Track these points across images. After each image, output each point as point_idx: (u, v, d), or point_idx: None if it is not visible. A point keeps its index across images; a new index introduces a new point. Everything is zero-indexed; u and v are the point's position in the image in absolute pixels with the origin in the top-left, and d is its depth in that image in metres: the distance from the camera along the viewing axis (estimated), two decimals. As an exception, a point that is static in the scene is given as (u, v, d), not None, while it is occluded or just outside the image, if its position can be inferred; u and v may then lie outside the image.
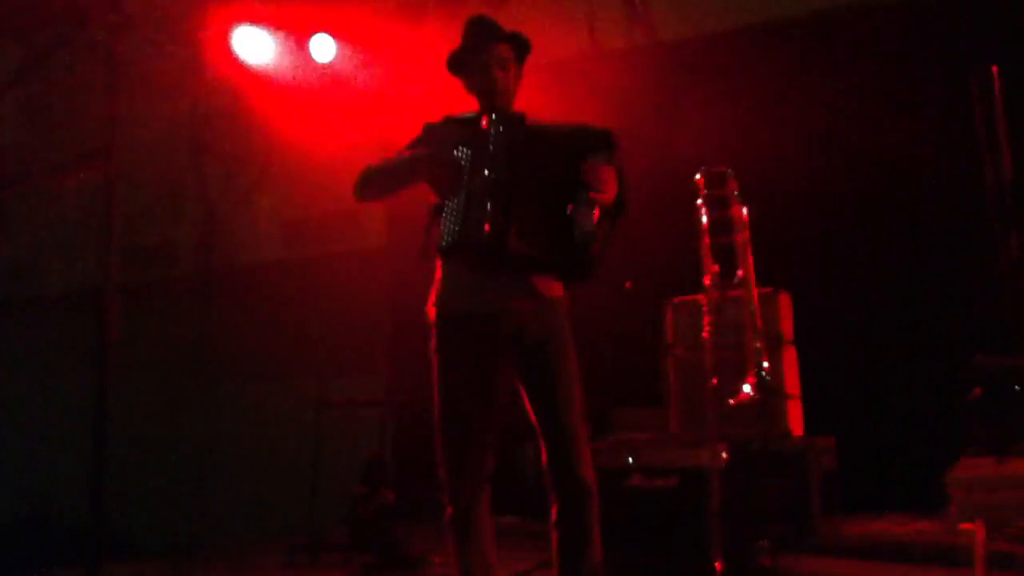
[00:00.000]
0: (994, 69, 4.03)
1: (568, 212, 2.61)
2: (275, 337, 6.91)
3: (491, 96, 2.82)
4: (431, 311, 2.85)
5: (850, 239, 4.99)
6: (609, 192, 2.63)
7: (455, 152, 2.68)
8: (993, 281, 4.46)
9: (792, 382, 4.32)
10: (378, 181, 2.93)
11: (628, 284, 4.63)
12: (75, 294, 7.45)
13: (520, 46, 2.86)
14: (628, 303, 5.18)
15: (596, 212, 2.60)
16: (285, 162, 6.79)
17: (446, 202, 2.67)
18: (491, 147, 2.65)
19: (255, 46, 6.14)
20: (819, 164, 5.04)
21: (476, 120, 2.77)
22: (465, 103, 2.96)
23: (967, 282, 4.60)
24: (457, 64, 2.91)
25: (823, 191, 5.01)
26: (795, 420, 4.27)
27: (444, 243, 2.67)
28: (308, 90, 6.30)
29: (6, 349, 8.22)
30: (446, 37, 3.04)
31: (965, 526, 3.69)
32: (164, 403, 7.19)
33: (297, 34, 6.18)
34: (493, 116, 2.69)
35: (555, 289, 2.81)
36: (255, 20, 6.06)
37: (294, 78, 6.17)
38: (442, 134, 2.85)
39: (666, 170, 4.59)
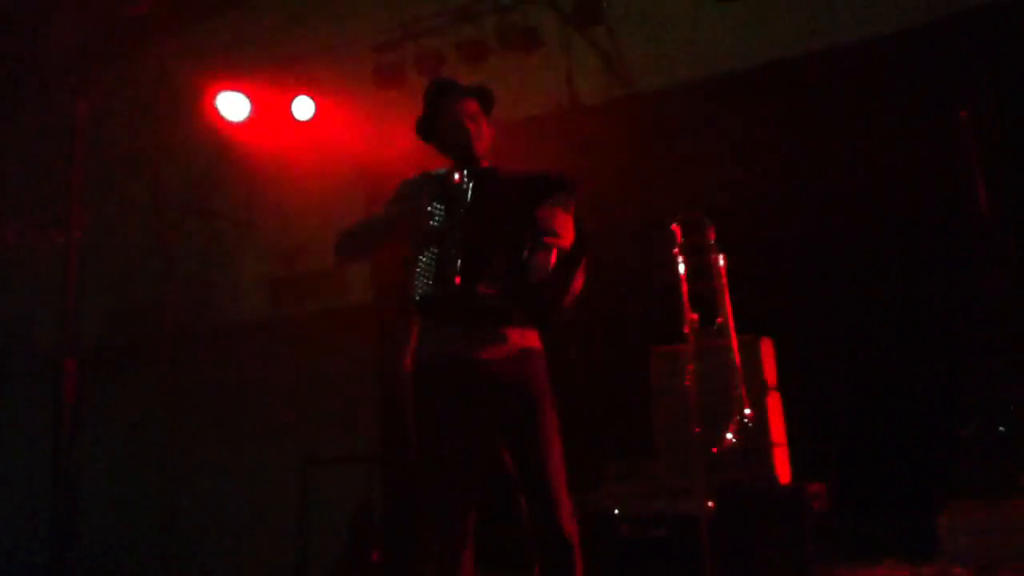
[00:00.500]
0: (963, 113, 4.10)
1: (525, 257, 2.63)
2: (261, 394, 6.87)
3: (466, 149, 2.87)
4: (408, 364, 2.86)
5: (834, 282, 5.00)
6: (564, 237, 2.65)
7: (429, 208, 2.71)
8: (980, 318, 4.48)
9: (778, 428, 4.29)
10: (357, 240, 2.96)
11: None
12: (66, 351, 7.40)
13: (485, 99, 2.93)
14: (615, 353, 5.19)
15: (553, 257, 2.62)
16: (269, 221, 6.83)
17: (419, 257, 2.69)
18: (463, 202, 2.67)
19: (238, 107, 6.22)
20: (800, 209, 5.07)
21: (450, 176, 2.80)
22: (442, 159, 3.01)
23: (954, 322, 4.60)
24: (427, 128, 2.96)
25: (805, 236, 5.03)
26: (782, 467, 4.23)
27: (418, 297, 2.68)
28: (291, 150, 6.36)
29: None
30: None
31: (959, 572, 3.66)
32: (150, 461, 7.12)
33: (281, 95, 6.26)
34: (465, 172, 2.72)
35: (531, 339, 2.81)
36: (238, 84, 6.14)
37: (277, 139, 6.24)
38: (418, 190, 2.89)
39: (647, 220, 4.62)
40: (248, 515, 6.63)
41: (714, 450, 3.52)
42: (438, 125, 2.93)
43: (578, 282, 2.72)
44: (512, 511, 4.29)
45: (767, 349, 4.37)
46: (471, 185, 2.70)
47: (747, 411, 3.43)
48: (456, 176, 2.75)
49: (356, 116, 6.19)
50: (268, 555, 5.99)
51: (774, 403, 4.31)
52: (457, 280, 2.59)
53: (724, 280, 3.64)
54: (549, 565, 2.67)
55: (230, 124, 6.19)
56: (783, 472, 4.23)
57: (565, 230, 2.64)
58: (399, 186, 2.98)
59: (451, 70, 5.89)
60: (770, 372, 4.35)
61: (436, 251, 2.65)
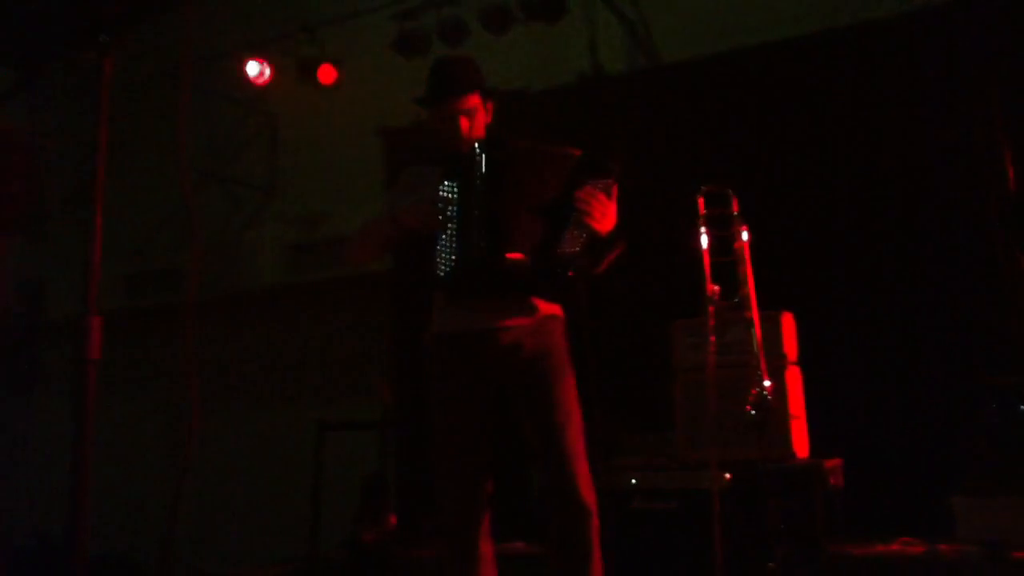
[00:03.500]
0: (994, 88, 4.04)
1: (556, 235, 2.62)
2: (279, 360, 6.92)
3: (457, 143, 2.84)
4: (429, 335, 2.87)
5: (856, 259, 4.97)
6: (604, 222, 2.62)
7: (440, 187, 2.68)
8: (1000, 299, 4.45)
9: (796, 402, 4.28)
10: (367, 244, 2.95)
11: None
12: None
13: (484, 90, 2.88)
14: (634, 324, 5.19)
15: (584, 238, 2.60)
16: (290, 188, 6.84)
17: (440, 234, 2.67)
18: (478, 173, 2.65)
19: (261, 75, 6.21)
20: (824, 184, 5.04)
21: (456, 154, 2.78)
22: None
23: (975, 300, 4.57)
24: (426, 105, 2.93)
25: (829, 211, 5.00)
26: (800, 441, 4.23)
27: (441, 271, 2.67)
28: (312, 117, 6.36)
29: (18, 374, 8.26)
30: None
31: (973, 550, 3.66)
32: (167, 424, 7.19)
33: (303, 60, 6.24)
34: (477, 143, 2.70)
35: (552, 307, 2.81)
36: (261, 46, 6.13)
37: (298, 104, 6.24)
38: (423, 175, 2.89)
39: (668, 192, 4.60)
40: (263, 479, 6.69)
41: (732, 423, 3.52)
42: (435, 112, 2.89)
43: (602, 267, 2.72)
44: (526, 481, 4.32)
45: (788, 324, 4.36)
46: (484, 155, 2.68)
47: (766, 384, 3.42)
48: (466, 150, 2.73)
49: (378, 83, 6.18)
50: (282, 518, 6.05)
51: (794, 377, 4.31)
52: (481, 251, 2.59)
53: (747, 253, 3.62)
54: (566, 531, 2.68)
55: (253, 90, 6.20)
56: (801, 447, 4.23)
57: (604, 216, 2.61)
58: (403, 174, 2.98)
59: (474, 39, 5.85)
60: (790, 346, 4.34)
61: (457, 225, 2.64)
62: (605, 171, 2.65)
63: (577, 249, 2.62)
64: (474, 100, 2.84)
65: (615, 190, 2.66)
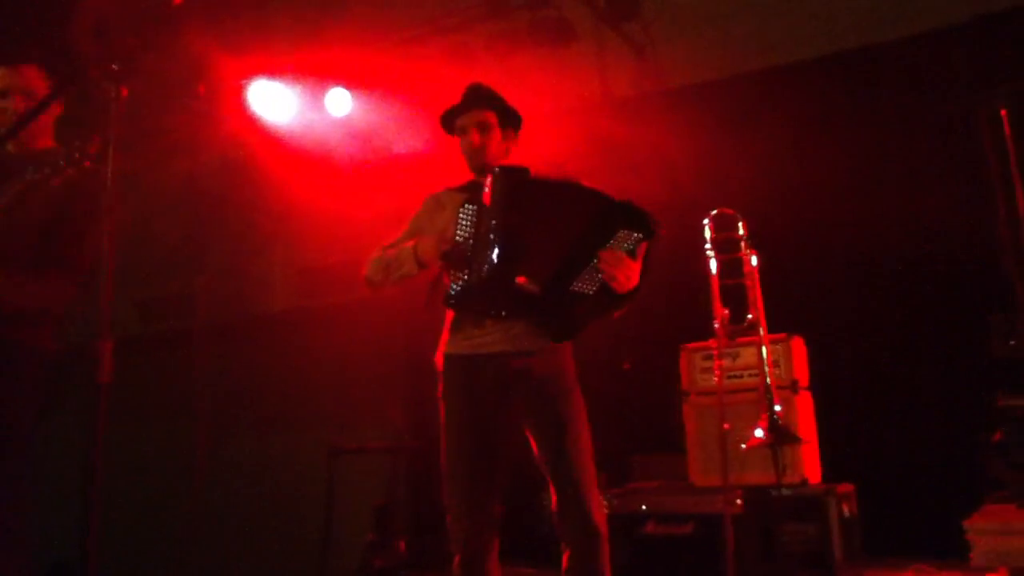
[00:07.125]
0: (1003, 112, 4.04)
1: (572, 271, 2.62)
2: (291, 384, 6.92)
3: (471, 156, 2.94)
4: (439, 358, 2.90)
5: (867, 282, 4.95)
6: (621, 282, 2.62)
7: (460, 211, 2.71)
8: (1013, 320, 4.42)
9: (808, 427, 4.26)
10: (387, 274, 2.97)
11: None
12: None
13: (505, 113, 2.98)
14: (643, 348, 5.18)
15: (599, 282, 2.62)
16: (300, 212, 6.85)
17: (458, 256, 2.70)
18: (495, 199, 2.67)
19: (271, 99, 6.25)
20: (834, 208, 5.03)
21: (477, 181, 2.82)
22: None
23: (987, 322, 4.54)
24: (447, 124, 3.04)
25: (840, 235, 5.00)
26: (811, 466, 4.21)
27: (452, 291, 2.69)
28: (323, 141, 6.38)
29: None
30: (455, 91, 3.13)
31: (989, 575, 3.62)
32: (179, 450, 7.19)
33: (313, 87, 6.28)
34: (497, 170, 2.72)
35: (560, 336, 2.83)
36: (272, 73, 6.17)
37: (310, 130, 6.27)
38: (443, 204, 2.95)
39: (677, 216, 4.59)
40: (274, 504, 6.68)
41: (743, 447, 3.51)
42: (454, 124, 3.01)
43: (614, 315, 2.74)
44: (535, 507, 4.31)
45: (798, 348, 4.34)
46: (502, 182, 2.70)
47: (777, 408, 3.41)
48: (488, 177, 2.76)
49: (388, 108, 6.22)
50: (294, 544, 6.04)
51: (804, 402, 4.29)
52: (493, 275, 2.60)
53: (756, 277, 3.62)
54: (578, 553, 2.69)
55: (264, 115, 6.23)
56: (812, 472, 4.20)
57: (627, 278, 2.62)
58: (424, 201, 3.05)
59: (482, 65, 5.88)
60: (801, 371, 4.32)
61: (472, 249, 2.66)
62: (640, 225, 2.64)
63: (590, 291, 2.64)
64: (489, 117, 2.94)
65: (644, 247, 2.66)
